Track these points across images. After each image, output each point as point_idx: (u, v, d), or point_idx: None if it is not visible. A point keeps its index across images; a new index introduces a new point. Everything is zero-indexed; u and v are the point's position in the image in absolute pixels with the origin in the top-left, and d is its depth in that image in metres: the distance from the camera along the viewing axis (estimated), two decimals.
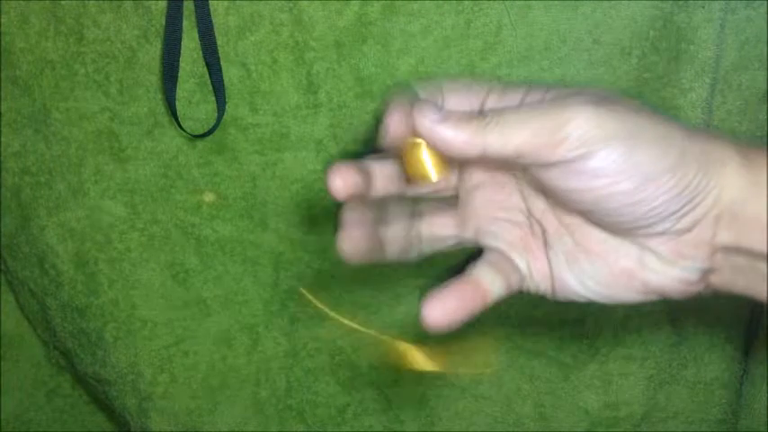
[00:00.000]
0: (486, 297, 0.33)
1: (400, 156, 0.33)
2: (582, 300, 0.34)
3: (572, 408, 0.55)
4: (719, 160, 0.30)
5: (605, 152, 0.29)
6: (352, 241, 0.32)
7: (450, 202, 0.37)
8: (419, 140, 0.31)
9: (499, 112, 0.30)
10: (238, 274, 0.55)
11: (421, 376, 0.56)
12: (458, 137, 0.30)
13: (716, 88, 0.47)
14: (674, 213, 0.30)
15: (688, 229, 0.31)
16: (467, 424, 0.57)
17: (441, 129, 0.30)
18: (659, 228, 0.30)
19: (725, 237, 0.30)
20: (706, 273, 0.31)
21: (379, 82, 0.49)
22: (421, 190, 0.36)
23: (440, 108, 0.31)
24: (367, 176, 0.33)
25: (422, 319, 0.32)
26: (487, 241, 0.36)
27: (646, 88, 0.48)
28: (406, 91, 0.32)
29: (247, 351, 0.56)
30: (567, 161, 0.29)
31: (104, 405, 0.62)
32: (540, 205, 0.35)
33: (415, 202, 0.36)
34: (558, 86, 0.32)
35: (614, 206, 0.30)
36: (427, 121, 0.30)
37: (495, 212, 0.36)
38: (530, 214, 0.35)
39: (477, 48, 0.48)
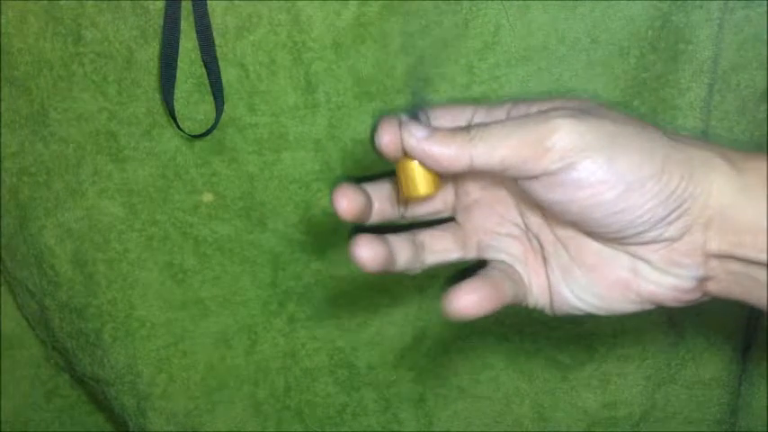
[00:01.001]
0: (503, 298, 0.34)
1: (395, 175, 0.33)
2: (579, 313, 0.34)
3: (570, 407, 0.55)
4: (705, 166, 0.30)
5: (587, 162, 0.29)
6: (369, 249, 0.33)
7: (449, 223, 0.37)
8: (411, 159, 0.32)
9: (484, 126, 0.31)
10: (237, 274, 0.55)
11: (419, 376, 0.56)
12: (444, 151, 0.31)
13: (714, 88, 0.47)
14: (661, 220, 0.30)
15: (679, 237, 0.31)
16: (465, 424, 0.57)
17: (427, 144, 0.31)
18: (649, 235, 0.31)
19: (716, 243, 0.30)
20: (702, 281, 0.32)
21: (377, 82, 0.49)
22: (419, 210, 0.36)
23: (426, 126, 0.32)
24: (367, 202, 0.34)
25: (449, 307, 0.32)
26: (491, 255, 0.36)
27: (644, 88, 0.48)
28: (395, 114, 0.33)
29: (246, 351, 0.56)
30: (551, 173, 0.30)
31: (103, 405, 0.62)
32: (536, 220, 0.35)
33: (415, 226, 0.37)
34: (541, 99, 0.33)
35: (600, 216, 0.30)
36: (414, 138, 0.31)
37: (495, 227, 0.36)
38: (527, 229, 0.36)
39: (475, 48, 0.48)
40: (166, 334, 0.56)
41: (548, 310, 0.35)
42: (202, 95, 0.50)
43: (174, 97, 0.49)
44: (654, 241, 0.31)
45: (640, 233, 0.30)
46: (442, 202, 0.37)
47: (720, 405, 0.54)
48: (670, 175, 0.29)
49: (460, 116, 0.34)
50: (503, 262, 0.36)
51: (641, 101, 0.48)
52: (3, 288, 0.60)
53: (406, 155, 0.32)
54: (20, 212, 0.54)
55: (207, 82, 0.49)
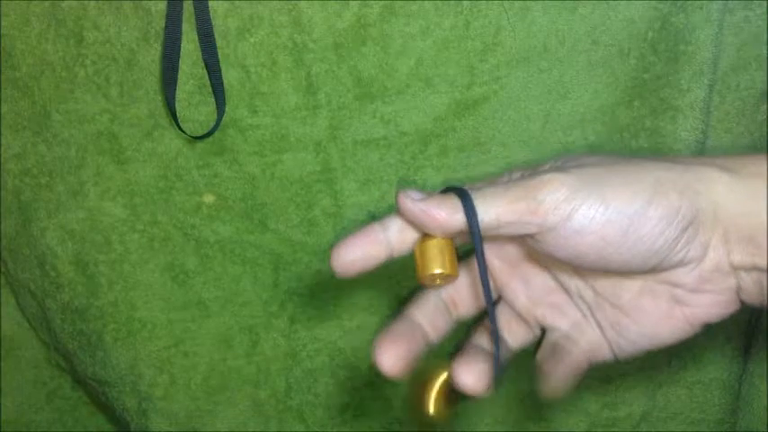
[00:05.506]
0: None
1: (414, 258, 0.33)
2: (644, 352, 0.35)
3: (571, 408, 0.55)
4: (705, 181, 0.30)
5: (583, 209, 0.30)
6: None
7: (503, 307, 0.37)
8: (429, 238, 0.33)
9: (477, 187, 0.31)
10: (238, 275, 0.55)
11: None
12: (440, 210, 0.31)
13: (714, 89, 0.47)
14: (678, 241, 0.30)
15: (703, 255, 0.31)
16: (466, 424, 0.57)
17: (422, 204, 0.31)
18: (675, 259, 0.31)
19: (739, 256, 0.31)
20: (736, 291, 0.32)
21: (378, 83, 0.49)
22: (471, 309, 0.36)
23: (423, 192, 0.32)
24: (413, 334, 0.34)
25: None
26: (549, 325, 0.36)
27: (644, 89, 0.48)
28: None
29: (247, 352, 0.56)
30: (550, 228, 0.30)
31: (104, 406, 0.62)
32: (572, 281, 0.35)
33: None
34: (535, 166, 0.34)
35: (618, 255, 0.30)
36: (409, 200, 0.31)
37: (539, 300, 0.36)
38: (568, 292, 0.36)
39: (475, 49, 0.48)
40: (168, 335, 0.56)
41: (611, 359, 0.36)
42: (204, 97, 0.50)
43: (176, 99, 0.49)
44: (681, 264, 0.31)
45: (664, 258, 0.31)
46: (465, 294, 0.37)
47: (721, 405, 0.54)
48: (667, 197, 0.30)
49: None
50: (558, 332, 0.36)
51: (641, 101, 0.48)
52: (4, 289, 0.60)
53: (424, 235, 0.33)
54: (22, 214, 0.54)
55: (208, 83, 0.49)
